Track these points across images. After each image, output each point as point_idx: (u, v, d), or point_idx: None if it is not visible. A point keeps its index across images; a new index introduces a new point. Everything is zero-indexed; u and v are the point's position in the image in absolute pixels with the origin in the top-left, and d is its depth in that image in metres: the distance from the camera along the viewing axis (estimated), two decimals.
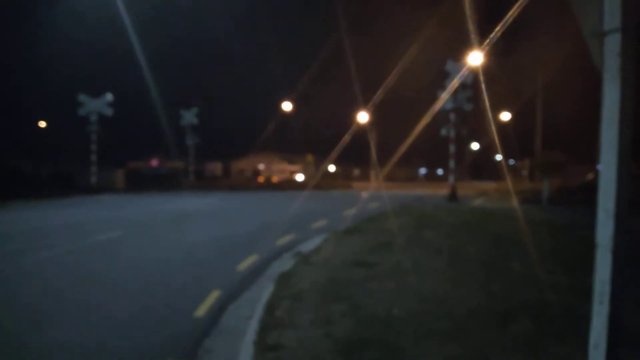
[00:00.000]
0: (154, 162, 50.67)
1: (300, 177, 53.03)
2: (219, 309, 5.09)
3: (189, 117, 38.82)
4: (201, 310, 4.99)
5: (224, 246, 9.37)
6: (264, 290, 5.67)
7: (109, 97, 31.28)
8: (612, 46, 1.94)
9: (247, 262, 7.52)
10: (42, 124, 42.06)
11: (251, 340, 3.97)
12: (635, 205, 2.43)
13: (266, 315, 4.54)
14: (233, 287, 6.00)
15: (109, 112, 31.25)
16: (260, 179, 48.65)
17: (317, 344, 3.77)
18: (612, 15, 1.94)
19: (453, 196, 22.03)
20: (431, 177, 74.21)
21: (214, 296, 5.51)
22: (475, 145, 56.33)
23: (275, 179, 45.14)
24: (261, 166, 53.97)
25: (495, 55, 20.99)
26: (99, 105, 31.02)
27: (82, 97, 31.00)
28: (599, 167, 2.03)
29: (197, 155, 41.64)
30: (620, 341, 1.95)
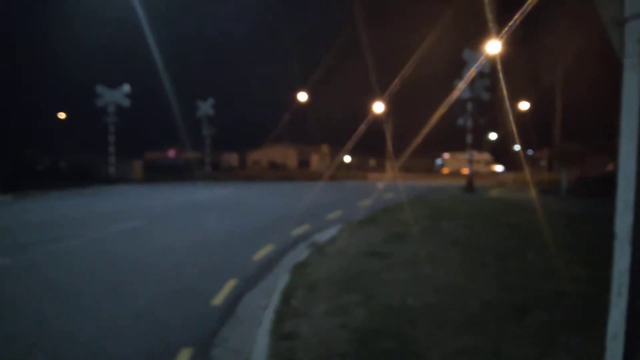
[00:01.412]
0: (171, 153, 51.36)
1: (499, 169, 49.26)
2: (236, 297, 5.20)
3: (205, 108, 39.06)
4: (218, 299, 5.10)
5: (241, 236, 9.51)
6: (280, 279, 5.75)
7: (126, 88, 31.54)
8: (633, 33, 1.89)
9: (263, 252, 7.63)
10: (61, 115, 42.90)
11: (267, 329, 4.04)
12: None
13: (281, 305, 4.60)
14: (249, 276, 6.11)
15: (126, 103, 31.51)
16: (445, 171, 45.98)
17: (332, 334, 3.81)
18: (633, 1, 1.89)
19: (470, 187, 21.79)
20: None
21: (230, 285, 5.62)
22: (492, 135, 55.35)
23: (465, 170, 42.12)
24: (446, 155, 51.22)
25: (514, 44, 20.55)
26: (116, 96, 31.27)
27: (99, 89, 31.25)
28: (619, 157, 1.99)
29: (213, 146, 41.99)
30: (639, 333, 1.91)
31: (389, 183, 31.39)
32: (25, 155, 30.76)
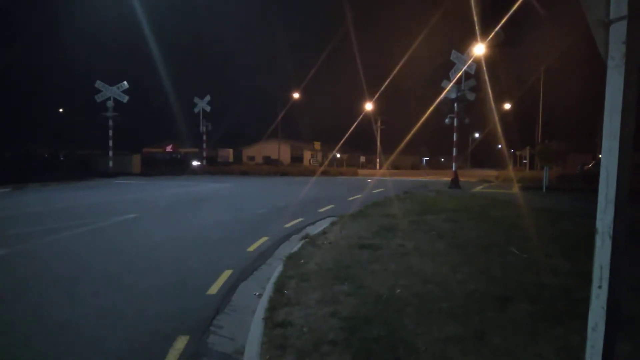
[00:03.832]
0: (169, 148, 51.33)
1: None
2: (231, 287, 5.26)
3: (202, 104, 39.21)
4: (214, 289, 5.16)
5: (236, 228, 9.54)
6: (273, 270, 5.83)
7: (125, 84, 31.90)
8: (618, 34, 1.91)
9: (257, 244, 7.71)
10: (61, 110, 42.53)
11: (260, 317, 4.11)
12: (635, 195, 2.44)
13: (275, 294, 4.67)
14: (244, 267, 6.18)
15: (124, 99, 31.95)
16: None
17: (323, 322, 3.90)
18: (618, 3, 1.91)
19: (455, 183, 22.12)
20: (434, 165, 74.23)
21: (225, 275, 5.68)
22: (477, 134, 56.09)
23: None
24: None
25: (499, 46, 20.91)
26: (115, 92, 31.64)
27: (99, 84, 31.59)
28: (601, 155, 2.05)
29: (210, 142, 42.28)
30: (618, 324, 1.99)
31: (378, 179, 31.61)
32: (26, 147, 30.41)
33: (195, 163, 40.26)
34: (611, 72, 1.94)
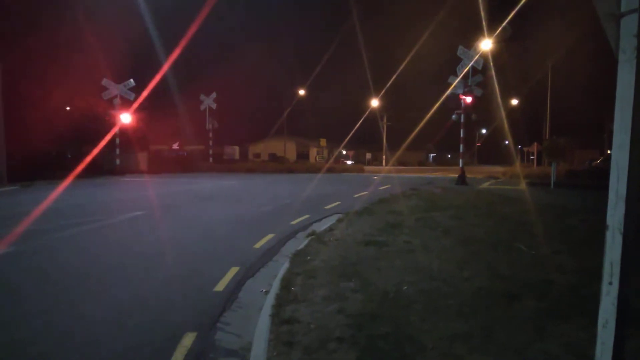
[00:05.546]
0: (175, 146, 51.69)
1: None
2: (238, 284, 5.28)
3: (208, 102, 39.39)
4: (220, 286, 5.17)
5: (242, 225, 9.55)
6: (280, 267, 5.85)
7: (131, 82, 32.12)
8: (629, 27, 1.88)
9: (263, 241, 7.71)
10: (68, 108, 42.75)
11: (267, 313, 4.12)
12: None
13: (282, 291, 4.68)
14: (250, 264, 6.18)
15: (131, 96, 32.08)
16: None
17: (330, 318, 3.90)
18: None
19: (462, 179, 22.00)
20: (441, 161, 74.03)
21: (232, 272, 5.69)
22: (484, 130, 55.86)
23: None
24: None
25: (506, 41, 20.73)
26: (122, 90, 31.89)
27: (105, 82, 31.77)
28: (612, 150, 2.03)
29: (216, 139, 42.53)
30: (628, 320, 1.97)
31: (384, 175, 31.57)
32: (33, 145, 30.58)
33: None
34: (622, 66, 1.92)
